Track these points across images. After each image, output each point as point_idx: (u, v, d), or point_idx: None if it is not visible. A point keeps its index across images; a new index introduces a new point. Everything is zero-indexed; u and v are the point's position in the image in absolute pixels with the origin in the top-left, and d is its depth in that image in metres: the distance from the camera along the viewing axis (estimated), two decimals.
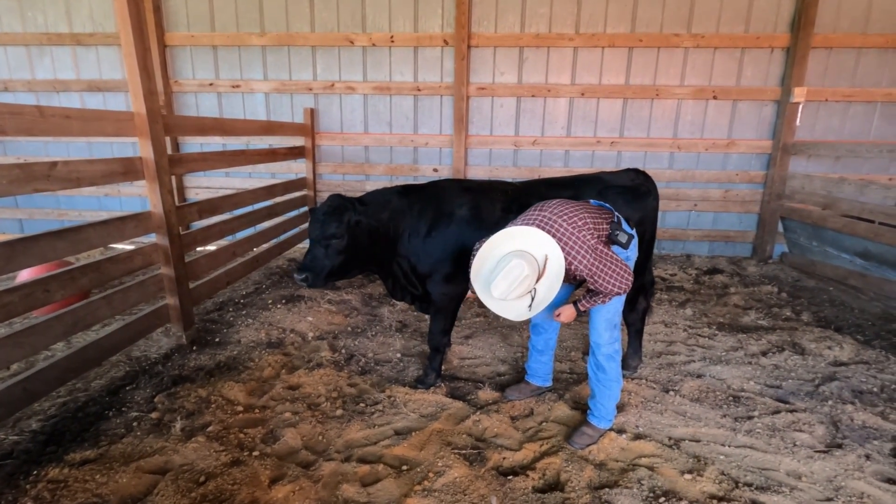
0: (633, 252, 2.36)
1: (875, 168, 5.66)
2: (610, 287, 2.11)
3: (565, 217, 2.10)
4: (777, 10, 5.33)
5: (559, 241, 2.05)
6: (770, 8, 5.34)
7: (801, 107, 5.40)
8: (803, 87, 5.28)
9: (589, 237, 2.09)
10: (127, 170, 2.94)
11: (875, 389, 2.96)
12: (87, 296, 3.70)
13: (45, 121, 2.38)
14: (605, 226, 2.23)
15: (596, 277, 2.10)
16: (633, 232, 2.34)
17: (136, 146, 3.06)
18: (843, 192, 4.74)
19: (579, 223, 2.10)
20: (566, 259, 2.06)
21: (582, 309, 2.26)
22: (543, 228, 2.07)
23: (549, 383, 2.91)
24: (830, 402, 2.80)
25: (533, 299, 2.06)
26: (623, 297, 2.39)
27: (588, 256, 2.07)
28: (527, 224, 2.12)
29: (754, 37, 5.37)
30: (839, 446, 2.42)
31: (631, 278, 2.13)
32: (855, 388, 2.97)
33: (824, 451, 2.38)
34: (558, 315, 2.37)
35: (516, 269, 1.98)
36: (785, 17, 5.34)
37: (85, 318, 2.68)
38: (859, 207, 4.46)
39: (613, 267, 2.11)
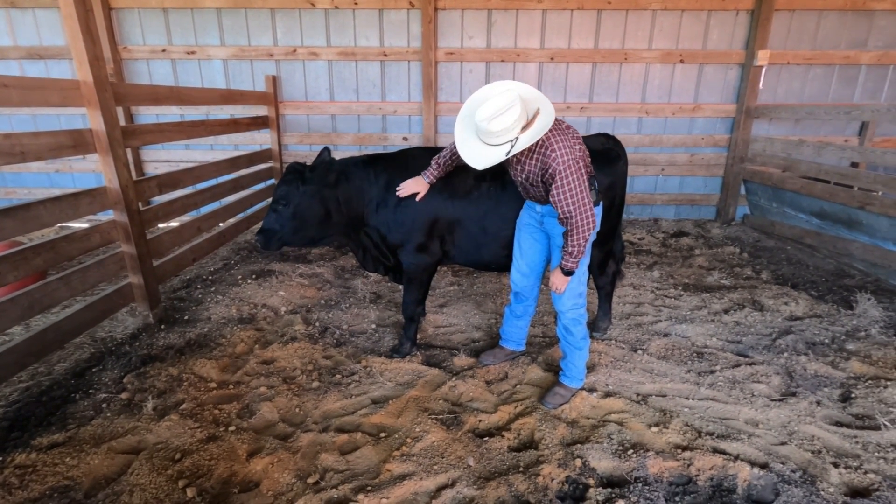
0: (598, 216, 2.40)
1: (833, 130, 5.85)
2: (572, 209, 2.11)
3: (571, 130, 2.20)
4: None
5: (556, 129, 2.14)
6: None
7: (764, 70, 5.49)
8: (766, 50, 5.35)
9: (578, 154, 2.15)
10: (76, 142, 2.77)
11: (826, 341, 3.14)
12: (44, 277, 3.54)
13: None
14: (590, 168, 2.30)
15: (564, 182, 2.09)
16: (600, 203, 2.40)
17: (86, 118, 2.88)
18: (801, 153, 4.90)
19: (577, 143, 2.17)
20: (552, 143, 2.10)
21: (566, 267, 2.26)
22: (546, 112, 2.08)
23: (523, 347, 2.98)
24: (786, 354, 2.96)
25: (512, 147, 2.03)
26: (586, 265, 2.44)
27: (570, 156, 2.10)
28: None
29: None
30: (793, 394, 2.58)
31: (593, 223, 2.16)
32: (808, 340, 3.14)
33: (779, 400, 2.53)
34: (555, 287, 2.37)
35: (507, 99, 1.99)
36: None
37: (42, 299, 2.56)
38: (816, 168, 4.63)
39: (582, 190, 2.11)
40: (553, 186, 2.13)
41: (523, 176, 2.31)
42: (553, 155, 2.10)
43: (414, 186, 2.68)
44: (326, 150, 2.82)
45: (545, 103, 2.10)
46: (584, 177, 2.14)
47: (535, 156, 2.19)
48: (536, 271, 2.66)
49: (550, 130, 2.14)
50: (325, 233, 2.90)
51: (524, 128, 2.03)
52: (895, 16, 5.42)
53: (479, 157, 2.11)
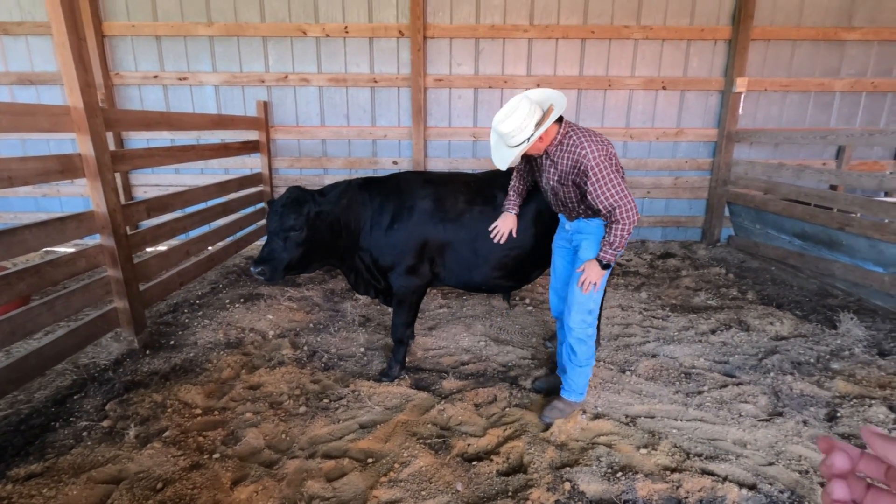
0: None
1: (811, 153, 6.02)
2: (613, 201, 2.15)
3: (598, 133, 2.29)
4: (719, 3, 5.57)
5: (580, 131, 2.23)
6: (713, 1, 5.56)
7: (742, 96, 5.68)
8: (745, 78, 5.54)
9: (611, 152, 2.21)
10: (65, 168, 2.78)
11: (812, 360, 3.17)
12: (27, 302, 3.49)
13: None
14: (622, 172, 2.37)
15: (600, 178, 2.15)
16: None
17: (76, 143, 2.89)
18: (781, 176, 5.03)
19: (607, 141, 2.25)
20: (580, 142, 2.18)
21: (604, 259, 2.27)
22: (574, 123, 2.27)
23: None
24: (772, 374, 2.98)
25: (528, 141, 2.16)
26: (603, 286, 2.42)
27: (601, 152, 2.17)
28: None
29: (699, 29, 5.59)
30: (780, 414, 2.60)
31: (636, 209, 2.19)
32: (794, 359, 3.18)
33: (766, 420, 2.54)
34: (583, 278, 2.34)
35: (515, 101, 2.16)
36: (727, 10, 5.59)
37: (24, 325, 2.52)
38: (797, 191, 4.75)
39: (621, 183, 2.17)
40: (588, 183, 2.19)
41: (555, 178, 2.34)
42: (584, 152, 2.17)
43: (505, 224, 2.72)
44: (297, 188, 2.72)
45: (558, 99, 2.22)
46: (619, 169, 2.22)
47: (565, 154, 2.25)
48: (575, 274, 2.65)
49: (580, 131, 2.23)
50: (330, 257, 2.87)
51: (539, 124, 2.15)
52: (865, 45, 5.67)
53: (502, 158, 2.27)
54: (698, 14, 5.59)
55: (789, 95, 5.84)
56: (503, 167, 2.30)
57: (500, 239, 2.74)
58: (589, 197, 2.22)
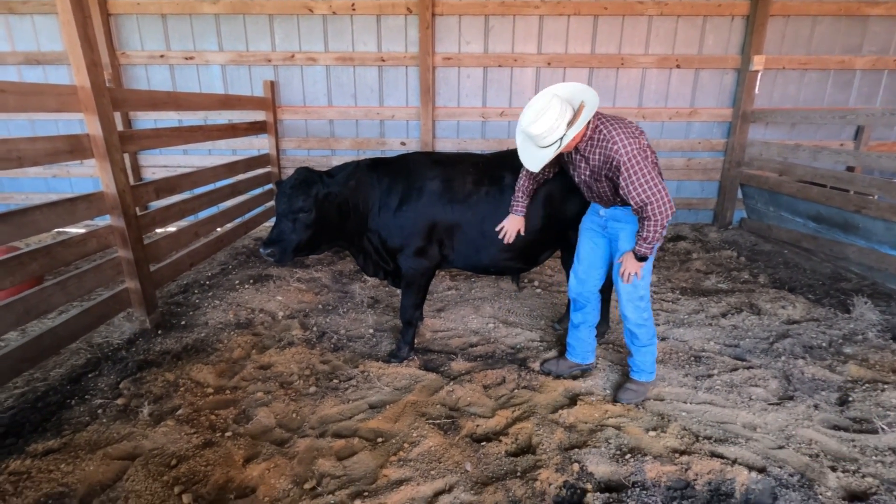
0: None
1: (828, 134, 5.87)
2: (645, 196, 2.09)
3: (633, 124, 2.20)
4: None
5: (610, 123, 2.15)
6: None
7: (759, 75, 5.52)
8: (762, 55, 5.38)
9: (644, 143, 2.15)
10: (73, 148, 2.77)
11: (824, 344, 3.14)
12: (41, 282, 3.53)
13: None
14: (655, 157, 2.28)
15: (632, 172, 2.08)
16: None
17: (84, 123, 2.88)
18: (797, 157, 4.92)
19: (639, 130, 2.18)
20: (611, 135, 2.11)
21: (639, 252, 2.23)
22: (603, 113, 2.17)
23: (591, 361, 2.85)
24: (783, 358, 2.96)
25: (560, 143, 2.10)
26: (650, 270, 2.39)
27: (633, 145, 2.10)
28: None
29: (715, 4, 5.41)
30: (791, 398, 2.58)
31: (670, 202, 2.11)
32: (806, 343, 3.15)
33: (777, 404, 2.53)
34: (623, 271, 2.32)
35: (543, 101, 2.07)
36: None
37: (38, 305, 2.55)
38: (812, 172, 4.65)
39: (654, 176, 2.10)
40: (620, 178, 2.12)
41: (587, 173, 2.30)
42: (615, 147, 2.10)
43: (512, 225, 2.67)
44: (305, 169, 2.71)
45: (589, 95, 2.12)
46: (652, 164, 2.14)
47: (597, 149, 2.18)
48: (594, 276, 2.61)
49: (610, 123, 2.15)
50: (338, 239, 2.87)
51: (570, 123, 2.08)
52: (889, 21, 5.47)
53: (533, 158, 2.19)
54: None
55: (808, 74, 5.67)
56: (536, 169, 2.20)
57: (507, 239, 2.69)
58: (621, 191, 2.16)
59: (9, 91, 2.34)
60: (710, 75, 5.71)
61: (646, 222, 2.16)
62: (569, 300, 3.39)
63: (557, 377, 2.77)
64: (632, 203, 2.15)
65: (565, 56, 5.62)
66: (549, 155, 2.14)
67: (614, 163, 2.13)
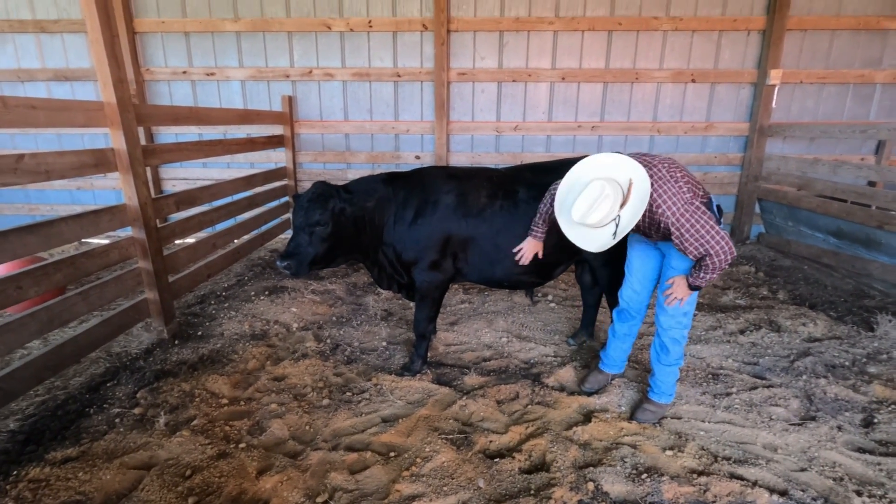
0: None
1: (848, 148, 5.78)
2: (702, 250, 2.01)
3: (666, 165, 2.12)
4: None
5: (652, 179, 2.04)
6: None
7: (776, 89, 5.48)
8: (779, 70, 5.35)
9: (685, 190, 2.06)
10: (99, 161, 2.86)
11: (847, 363, 3.06)
12: (63, 292, 3.62)
13: (8, 112, 2.28)
14: (702, 192, 2.20)
15: (683, 231, 2.01)
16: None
17: (108, 137, 2.97)
18: (817, 172, 4.84)
19: (678, 174, 2.10)
20: (653, 199, 2.03)
21: (692, 283, 2.18)
22: (640, 163, 2.04)
23: (622, 370, 2.87)
24: (805, 377, 2.89)
25: (617, 226, 2.01)
26: (697, 292, 2.32)
27: (678, 204, 2.02)
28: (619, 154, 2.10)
29: (731, 19, 5.41)
30: (813, 419, 2.51)
31: (730, 247, 2.01)
32: (828, 362, 3.07)
33: (799, 424, 2.46)
34: (670, 292, 2.28)
35: (596, 190, 1.97)
36: (761, 0, 5.39)
37: (61, 314, 2.62)
38: (832, 187, 4.57)
39: (707, 227, 2.00)
40: (673, 237, 2.07)
41: (640, 230, 2.27)
42: (660, 210, 2.04)
43: (530, 248, 2.63)
44: (322, 183, 2.75)
45: (636, 170, 2.01)
46: (701, 210, 2.04)
47: (645, 214, 2.13)
48: (648, 288, 2.58)
49: (652, 180, 2.06)
50: (354, 252, 2.89)
51: (622, 204, 1.99)
52: None
53: (590, 241, 2.09)
54: (731, 4, 5.40)
55: (826, 88, 5.61)
56: (596, 250, 2.09)
57: (524, 261, 2.66)
58: (675, 247, 2.11)
59: (40, 107, 2.43)
60: (726, 89, 5.68)
61: (704, 264, 2.08)
62: (583, 314, 3.38)
63: (590, 394, 2.75)
64: (689, 257, 2.09)
65: (579, 71, 5.65)
66: (607, 238, 2.04)
67: (663, 225, 2.08)
